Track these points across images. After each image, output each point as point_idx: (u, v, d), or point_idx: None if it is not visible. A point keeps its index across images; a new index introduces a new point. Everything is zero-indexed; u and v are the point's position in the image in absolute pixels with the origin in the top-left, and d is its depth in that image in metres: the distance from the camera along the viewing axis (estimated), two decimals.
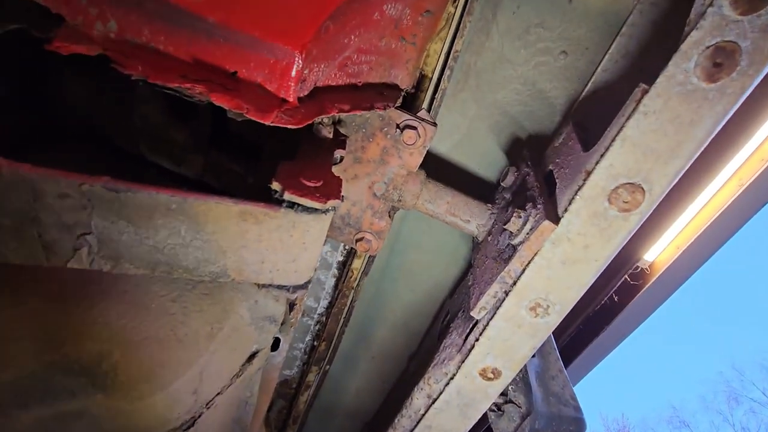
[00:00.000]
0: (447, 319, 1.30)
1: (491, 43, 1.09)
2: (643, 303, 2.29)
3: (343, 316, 1.44)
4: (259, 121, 0.65)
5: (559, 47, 1.07)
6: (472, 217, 1.08)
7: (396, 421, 1.16)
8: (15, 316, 0.66)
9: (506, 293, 0.90)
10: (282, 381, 1.65)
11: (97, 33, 0.59)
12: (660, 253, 2.19)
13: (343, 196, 0.98)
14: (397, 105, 0.91)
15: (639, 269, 2.23)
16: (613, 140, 0.74)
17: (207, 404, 0.88)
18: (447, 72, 1.01)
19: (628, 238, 0.81)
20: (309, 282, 0.86)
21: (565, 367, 1.31)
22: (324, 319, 1.49)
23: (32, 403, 0.68)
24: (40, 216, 0.56)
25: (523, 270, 0.87)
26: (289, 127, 0.67)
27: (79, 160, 1.08)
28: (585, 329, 2.43)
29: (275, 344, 1.01)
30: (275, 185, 0.69)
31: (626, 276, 2.25)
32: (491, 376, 0.99)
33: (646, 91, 0.69)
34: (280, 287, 0.86)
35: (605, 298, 2.35)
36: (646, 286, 2.22)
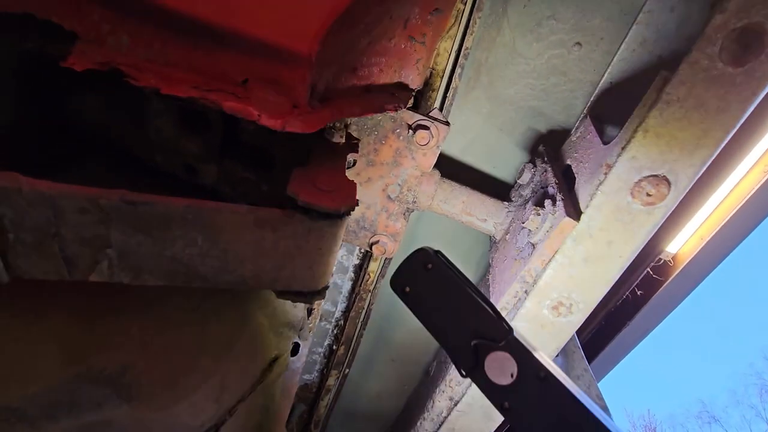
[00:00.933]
0: None
1: (502, 38, 1.07)
2: (666, 296, 2.22)
3: (361, 319, 1.44)
4: (271, 127, 0.64)
5: (572, 39, 1.04)
6: (488, 216, 1.06)
7: (418, 424, 1.15)
8: (40, 331, 0.68)
9: (527, 292, 0.88)
10: (302, 385, 1.65)
11: (110, 48, 0.59)
12: (683, 244, 2.11)
13: (357, 200, 0.97)
14: (408, 106, 0.89)
15: (662, 262, 2.16)
16: (634, 131, 0.71)
17: (230, 411, 0.88)
18: (458, 70, 0.99)
19: (653, 232, 0.79)
20: (327, 287, 0.86)
21: (588, 363, 1.27)
22: (342, 322, 1.48)
23: (60, 414, 0.69)
24: (61, 231, 0.57)
25: (544, 268, 0.85)
26: (302, 132, 0.66)
27: (91, 170, 1.09)
28: (607, 325, 2.37)
29: (295, 349, 1.01)
30: (290, 192, 0.68)
31: (648, 269, 2.18)
32: None
33: (668, 79, 0.66)
34: (297, 293, 0.85)
35: (627, 293, 2.29)
36: (670, 279, 2.15)
